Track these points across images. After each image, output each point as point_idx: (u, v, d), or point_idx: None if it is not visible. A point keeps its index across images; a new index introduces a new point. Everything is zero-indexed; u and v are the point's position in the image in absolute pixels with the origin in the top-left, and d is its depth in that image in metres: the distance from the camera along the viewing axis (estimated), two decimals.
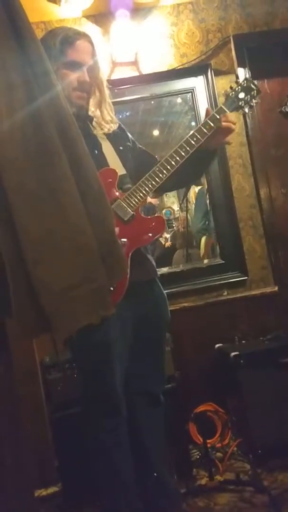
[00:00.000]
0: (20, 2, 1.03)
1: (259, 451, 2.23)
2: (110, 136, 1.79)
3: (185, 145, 1.68)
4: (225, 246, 2.97)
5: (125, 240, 1.63)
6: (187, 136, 1.70)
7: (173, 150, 1.68)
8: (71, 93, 1.65)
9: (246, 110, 1.79)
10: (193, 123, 3.03)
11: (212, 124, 1.69)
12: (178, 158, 1.67)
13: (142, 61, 2.90)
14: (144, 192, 1.66)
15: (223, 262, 2.95)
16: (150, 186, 1.66)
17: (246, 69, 2.93)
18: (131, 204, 1.65)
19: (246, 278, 2.90)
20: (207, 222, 3.05)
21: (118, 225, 1.60)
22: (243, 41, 2.93)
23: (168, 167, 1.67)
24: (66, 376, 2.22)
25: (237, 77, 2.85)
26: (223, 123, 1.70)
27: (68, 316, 0.94)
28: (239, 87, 1.77)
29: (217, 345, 2.65)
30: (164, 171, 1.67)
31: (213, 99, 2.91)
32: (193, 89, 2.94)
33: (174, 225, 3.40)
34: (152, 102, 3.05)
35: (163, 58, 2.92)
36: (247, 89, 1.77)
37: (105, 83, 1.78)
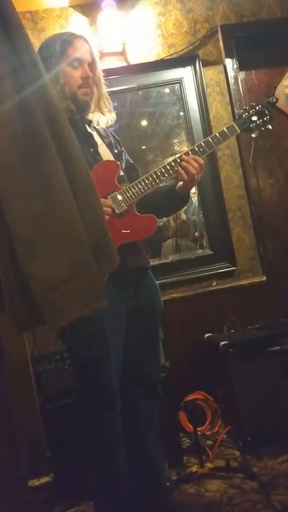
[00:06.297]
0: None
1: (248, 438, 2.27)
2: (105, 141, 1.80)
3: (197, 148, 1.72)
4: (214, 237, 2.99)
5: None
6: (195, 145, 1.73)
7: (178, 155, 1.70)
8: (77, 91, 1.68)
9: (254, 134, 1.81)
10: (181, 113, 3.03)
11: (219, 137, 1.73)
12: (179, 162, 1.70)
13: (129, 51, 2.89)
14: (142, 189, 1.67)
15: (212, 253, 2.97)
16: (149, 184, 1.67)
17: (234, 59, 2.94)
18: (127, 198, 1.65)
19: (234, 268, 2.93)
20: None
21: (109, 217, 1.60)
22: (231, 31, 2.94)
23: (170, 171, 1.69)
24: (57, 368, 2.24)
25: (225, 68, 2.90)
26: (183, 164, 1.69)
27: (61, 310, 0.94)
28: (253, 110, 1.79)
29: (206, 335, 2.67)
30: (166, 174, 1.69)
31: (201, 90, 2.91)
32: (181, 80, 2.94)
33: None
34: (140, 92, 3.03)
35: (151, 49, 2.91)
36: (260, 114, 1.79)
37: (102, 80, 1.79)
